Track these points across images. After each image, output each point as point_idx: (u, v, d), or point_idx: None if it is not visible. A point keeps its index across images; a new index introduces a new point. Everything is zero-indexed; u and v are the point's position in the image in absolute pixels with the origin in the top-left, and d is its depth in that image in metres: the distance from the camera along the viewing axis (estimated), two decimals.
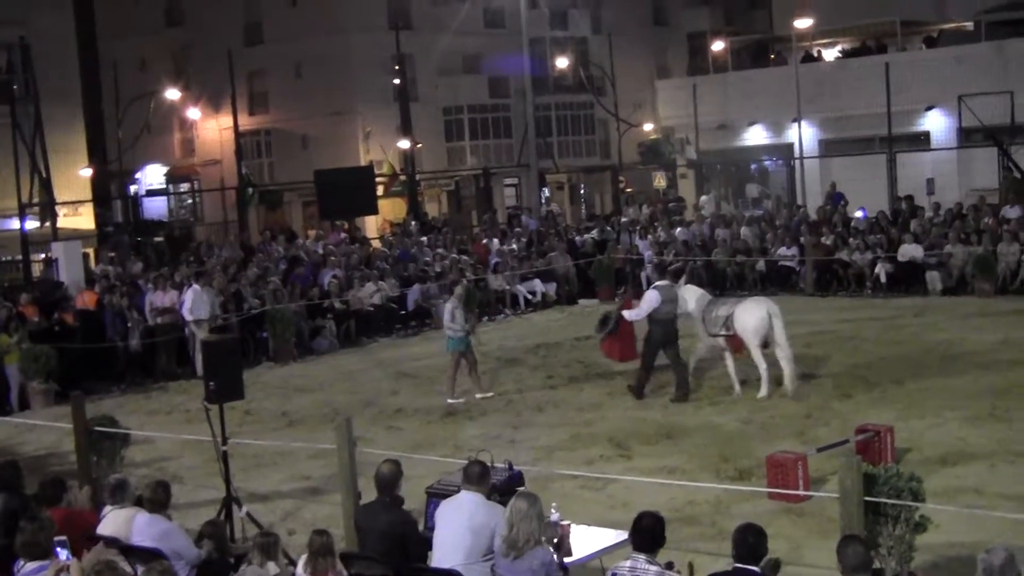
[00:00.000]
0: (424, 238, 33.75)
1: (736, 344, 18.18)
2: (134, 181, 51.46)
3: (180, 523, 10.53)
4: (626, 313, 19.07)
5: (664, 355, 18.32)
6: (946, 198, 33.61)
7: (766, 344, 17.86)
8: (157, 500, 9.94)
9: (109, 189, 49.70)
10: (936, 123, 41.07)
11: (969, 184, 36.81)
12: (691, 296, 18.63)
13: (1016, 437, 14.60)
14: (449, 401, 18.93)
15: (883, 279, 27.92)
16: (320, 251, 30.91)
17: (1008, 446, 14.21)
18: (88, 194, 41.84)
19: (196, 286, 23.72)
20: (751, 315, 17.80)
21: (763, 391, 17.78)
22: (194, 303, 23.37)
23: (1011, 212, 29.39)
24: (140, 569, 9.13)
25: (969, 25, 43.77)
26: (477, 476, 9.12)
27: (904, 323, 23.80)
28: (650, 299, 18.38)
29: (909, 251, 27.94)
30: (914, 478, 9.51)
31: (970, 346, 20.72)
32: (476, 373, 19.42)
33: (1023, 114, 36.38)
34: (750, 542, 7.60)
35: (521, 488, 9.53)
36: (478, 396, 19.08)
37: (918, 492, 9.43)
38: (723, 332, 18.02)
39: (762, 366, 17.79)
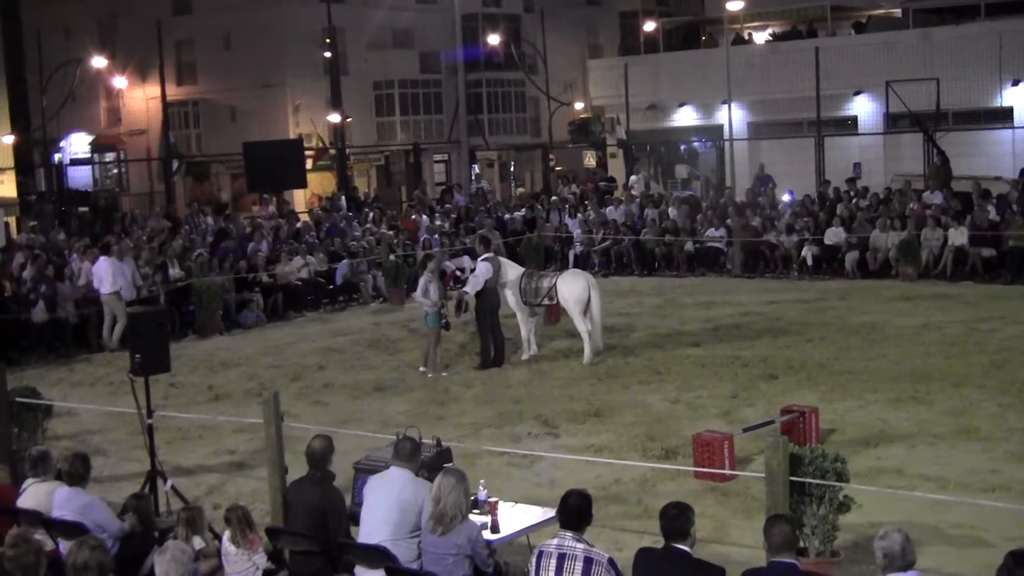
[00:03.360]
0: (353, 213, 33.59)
1: (554, 313, 19.66)
2: (58, 150, 50.67)
3: (104, 496, 10.42)
4: (466, 288, 19.84)
5: (479, 322, 19.39)
6: (872, 182, 33.99)
7: (584, 312, 19.18)
8: (75, 473, 9.79)
9: (32, 157, 48.97)
10: (864, 108, 41.44)
11: (895, 169, 37.20)
12: (511, 269, 19.96)
13: (936, 419, 14.79)
14: (430, 375, 18.79)
15: (809, 262, 28.17)
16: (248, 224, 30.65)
17: (928, 428, 14.40)
18: (10, 162, 41.17)
19: (112, 257, 23.14)
20: (572, 286, 19.24)
21: (587, 356, 19.09)
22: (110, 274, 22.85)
23: (933, 198, 29.72)
24: (62, 543, 9.05)
25: (897, 12, 44.20)
26: (408, 453, 9.11)
27: (829, 305, 24.00)
28: (483, 271, 19.28)
29: (835, 234, 28.20)
30: (838, 459, 9.62)
31: (893, 329, 20.94)
32: (437, 351, 19.31)
33: (948, 101, 36.80)
34: (672, 514, 7.60)
35: (448, 464, 9.52)
36: (431, 375, 18.89)
37: (842, 473, 9.54)
38: (546, 302, 19.41)
39: (583, 329, 19.14)
